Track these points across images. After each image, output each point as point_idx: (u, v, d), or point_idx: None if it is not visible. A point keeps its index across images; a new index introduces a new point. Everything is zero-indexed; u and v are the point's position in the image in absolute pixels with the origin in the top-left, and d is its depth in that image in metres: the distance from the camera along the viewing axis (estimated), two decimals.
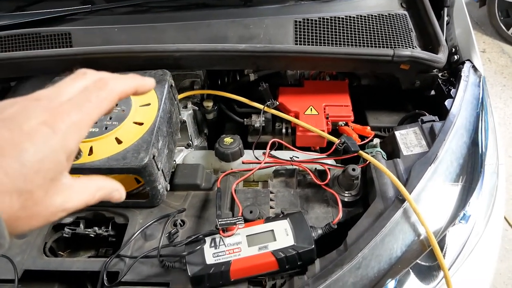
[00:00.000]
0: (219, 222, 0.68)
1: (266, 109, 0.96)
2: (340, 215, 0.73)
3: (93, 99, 0.36)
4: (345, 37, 0.95)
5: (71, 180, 0.34)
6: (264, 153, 0.90)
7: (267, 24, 0.97)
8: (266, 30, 0.96)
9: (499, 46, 3.25)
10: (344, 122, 1.00)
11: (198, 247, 0.66)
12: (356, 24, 0.97)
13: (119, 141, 0.76)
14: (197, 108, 1.06)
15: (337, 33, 0.95)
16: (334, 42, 0.94)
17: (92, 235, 0.82)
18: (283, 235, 0.69)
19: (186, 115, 1.03)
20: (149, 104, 0.84)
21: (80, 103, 0.35)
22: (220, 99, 1.08)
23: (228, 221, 0.69)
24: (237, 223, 0.69)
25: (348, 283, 0.64)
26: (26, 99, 0.34)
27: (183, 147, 1.06)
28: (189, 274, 0.65)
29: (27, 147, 0.30)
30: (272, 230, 0.70)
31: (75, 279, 0.79)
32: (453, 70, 1.03)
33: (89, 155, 0.74)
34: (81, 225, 0.83)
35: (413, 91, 1.06)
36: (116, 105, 0.83)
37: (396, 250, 0.67)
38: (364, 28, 0.97)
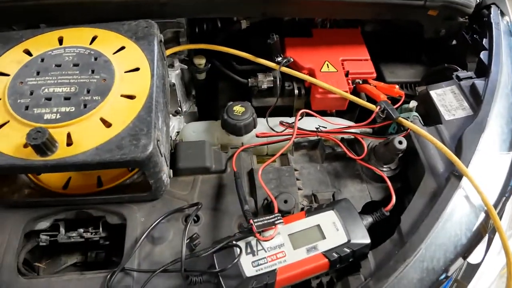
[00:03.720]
0: (255, 224, 0.55)
1: (283, 68, 0.78)
2: (394, 200, 0.62)
3: None
4: None
5: None
6: (281, 123, 0.75)
7: None
8: None
9: None
10: (362, 80, 0.86)
11: (235, 260, 0.52)
12: None
13: (107, 124, 0.57)
14: (186, 66, 0.86)
15: None
16: None
17: (79, 241, 0.64)
18: (332, 231, 0.57)
19: (174, 76, 0.83)
20: (137, 69, 0.63)
21: None
22: (213, 55, 0.87)
23: (264, 221, 0.56)
24: (275, 222, 0.56)
25: (414, 281, 0.55)
26: None
27: (171, 115, 0.87)
28: None
29: None
30: (319, 225, 0.58)
31: None
32: (475, 16, 0.92)
33: (68, 145, 0.54)
34: (61, 229, 0.65)
35: (422, 38, 0.93)
36: (92, 71, 0.63)
37: (461, 236, 0.59)
38: None
